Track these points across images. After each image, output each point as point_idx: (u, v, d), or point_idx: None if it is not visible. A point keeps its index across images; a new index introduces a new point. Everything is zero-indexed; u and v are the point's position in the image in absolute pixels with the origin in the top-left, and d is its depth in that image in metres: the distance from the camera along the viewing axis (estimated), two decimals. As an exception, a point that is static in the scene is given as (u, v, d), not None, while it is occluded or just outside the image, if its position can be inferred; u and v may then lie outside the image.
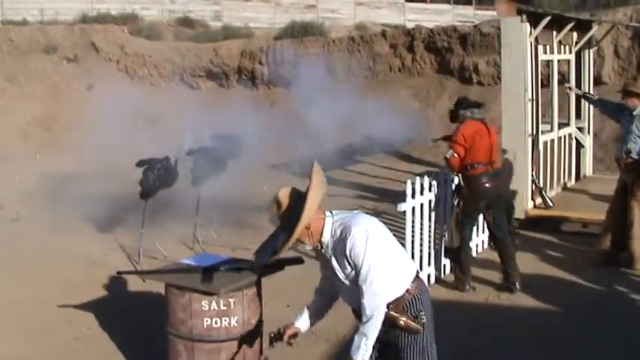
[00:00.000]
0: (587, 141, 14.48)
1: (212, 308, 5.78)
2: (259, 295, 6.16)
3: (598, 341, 7.38)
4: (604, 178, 14.64)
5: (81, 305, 8.54)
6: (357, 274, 4.59)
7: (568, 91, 12.47)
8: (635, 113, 9.67)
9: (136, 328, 7.88)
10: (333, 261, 4.74)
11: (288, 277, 8.62)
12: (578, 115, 14.13)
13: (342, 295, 4.91)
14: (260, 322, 6.18)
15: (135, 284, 8.94)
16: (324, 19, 33.66)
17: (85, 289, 9.05)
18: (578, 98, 13.90)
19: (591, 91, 14.37)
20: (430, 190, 9.25)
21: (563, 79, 14.84)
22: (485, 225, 9.84)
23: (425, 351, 4.76)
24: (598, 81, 15.93)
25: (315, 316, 5.16)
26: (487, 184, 8.79)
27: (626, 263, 9.61)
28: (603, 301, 8.50)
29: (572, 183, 13.81)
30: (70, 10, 29.34)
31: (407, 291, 4.70)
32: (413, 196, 8.92)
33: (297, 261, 6.30)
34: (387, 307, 4.63)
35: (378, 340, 4.67)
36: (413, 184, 8.89)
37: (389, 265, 4.61)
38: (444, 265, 9.71)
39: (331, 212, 4.82)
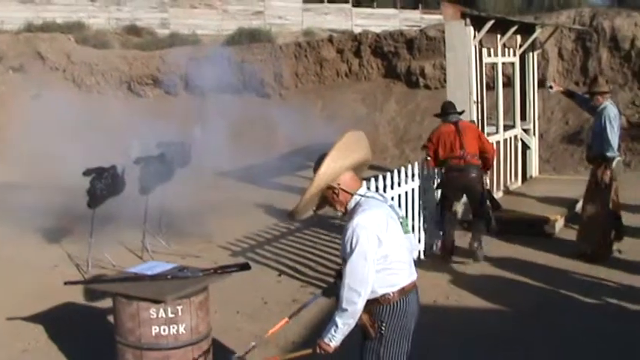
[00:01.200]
0: (533, 142, 14.64)
1: (160, 316, 5.77)
2: (207, 302, 6.17)
3: (545, 340, 7.48)
4: (550, 178, 14.86)
5: (29, 317, 8.45)
6: (345, 264, 4.64)
7: (550, 90, 12.66)
8: (597, 111, 10.05)
9: (85, 338, 7.81)
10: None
11: (237, 284, 8.66)
12: (523, 117, 14.28)
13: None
14: (209, 329, 6.18)
15: (83, 294, 8.89)
16: (272, 26, 33.66)
17: (33, 301, 8.94)
18: (523, 100, 14.12)
19: (536, 94, 14.60)
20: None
21: (508, 81, 15.02)
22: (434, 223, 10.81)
23: (372, 354, 4.81)
24: (543, 83, 16.12)
25: None
26: (454, 176, 10.19)
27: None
28: (551, 301, 8.59)
29: (518, 184, 13.95)
30: (15, 18, 28.95)
31: (380, 297, 4.71)
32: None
33: (244, 267, 6.31)
34: None
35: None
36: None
37: (373, 267, 4.60)
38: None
39: (364, 193, 4.85)
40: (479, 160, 10.28)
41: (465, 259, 10.34)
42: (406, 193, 10.20)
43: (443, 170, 10.42)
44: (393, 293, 4.72)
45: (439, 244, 10.73)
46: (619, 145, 10.03)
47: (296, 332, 7.55)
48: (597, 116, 10.05)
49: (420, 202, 10.55)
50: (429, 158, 10.47)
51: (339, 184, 4.76)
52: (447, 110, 10.49)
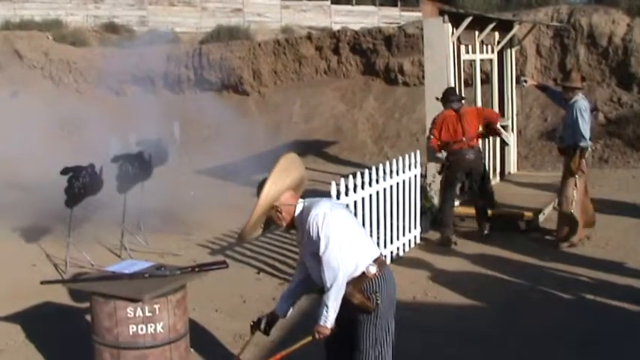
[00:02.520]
0: (512, 139, 14.68)
1: (137, 315, 5.74)
2: (185, 300, 6.15)
3: (522, 335, 7.52)
4: (529, 174, 14.90)
5: (5, 317, 8.39)
6: (318, 250, 4.96)
7: (524, 84, 12.69)
8: (569, 104, 10.35)
9: (62, 338, 7.77)
10: (303, 242, 5.14)
11: (215, 282, 8.66)
12: (501, 114, 14.31)
13: (312, 276, 5.25)
14: (186, 328, 6.17)
15: (61, 294, 8.83)
16: (251, 23, 33.64)
17: (10, 300, 8.89)
18: (501, 97, 14.18)
19: (514, 90, 14.65)
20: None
21: (486, 78, 15.06)
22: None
23: (377, 329, 5.11)
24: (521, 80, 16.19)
25: (291, 301, 5.56)
26: (457, 158, 10.80)
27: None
28: (528, 297, 8.63)
29: (496, 180, 13.98)
30: (-9, 16, 28.88)
31: (364, 272, 5.05)
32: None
33: (222, 265, 6.30)
34: (347, 284, 5.01)
35: (339, 315, 5.04)
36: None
37: (345, 244, 4.98)
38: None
39: (303, 199, 5.24)
40: (478, 141, 11.22)
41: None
42: (391, 186, 10.32)
43: (447, 152, 10.94)
44: (373, 264, 5.09)
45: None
46: (590, 136, 10.33)
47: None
48: (569, 109, 10.35)
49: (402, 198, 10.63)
50: (432, 137, 10.95)
51: (280, 204, 5.13)
52: (449, 97, 10.92)
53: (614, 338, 7.35)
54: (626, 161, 16.48)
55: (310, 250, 5.05)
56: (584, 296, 8.53)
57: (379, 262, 5.15)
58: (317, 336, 5.11)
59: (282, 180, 5.09)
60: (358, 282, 5.04)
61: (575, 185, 10.36)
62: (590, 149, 10.44)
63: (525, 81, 11.99)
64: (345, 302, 5.02)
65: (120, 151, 11.26)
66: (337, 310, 5.00)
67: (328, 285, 4.94)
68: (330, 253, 4.91)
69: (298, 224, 5.16)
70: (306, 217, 5.05)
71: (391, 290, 5.19)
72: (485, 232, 11.12)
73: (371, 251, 5.17)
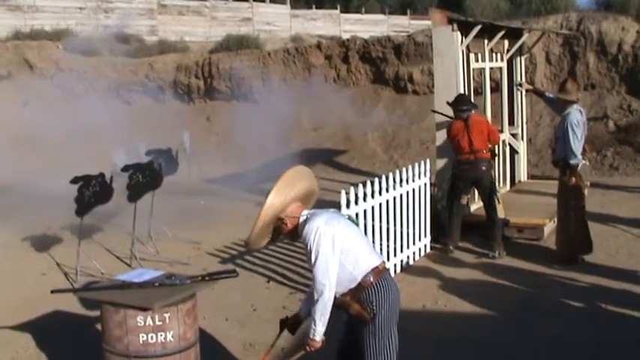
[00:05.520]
0: (522, 147, 14.65)
1: (147, 324, 5.74)
2: (195, 309, 6.15)
3: (532, 344, 7.50)
4: (539, 183, 14.86)
5: (17, 326, 8.43)
6: (310, 262, 5.08)
7: (518, 87, 12.59)
8: (562, 115, 10.09)
9: (73, 346, 7.79)
10: (306, 253, 5.18)
11: (225, 290, 8.68)
12: (511, 122, 14.29)
13: None
14: (197, 337, 6.16)
15: (71, 302, 8.85)
16: (260, 32, 33.70)
17: (22, 309, 8.92)
18: (511, 105, 14.14)
19: (524, 98, 14.62)
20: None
21: (496, 86, 15.04)
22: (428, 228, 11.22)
23: (377, 339, 5.16)
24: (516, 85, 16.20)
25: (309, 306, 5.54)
26: (465, 169, 10.84)
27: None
28: (537, 306, 8.60)
29: (507, 189, 13.96)
30: (2, 26, 28.92)
31: (361, 283, 5.11)
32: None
33: (232, 274, 6.29)
34: (345, 295, 5.12)
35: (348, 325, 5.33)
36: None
37: (337, 258, 5.04)
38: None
39: (308, 212, 5.28)
40: (488, 152, 10.96)
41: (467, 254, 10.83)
42: (401, 195, 10.30)
43: (455, 164, 11.08)
44: (370, 275, 5.13)
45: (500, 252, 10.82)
46: (583, 150, 10.05)
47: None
48: (561, 121, 10.08)
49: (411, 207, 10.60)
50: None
51: (285, 215, 5.22)
52: (458, 105, 10.89)
53: (626, 348, 7.30)
54: (637, 169, 16.42)
55: (310, 262, 5.12)
56: (595, 305, 8.50)
57: (377, 271, 5.18)
58: (309, 349, 5.23)
59: (285, 193, 5.18)
60: (356, 292, 5.12)
61: (572, 202, 10.10)
62: (581, 164, 10.00)
63: (520, 85, 11.91)
64: (345, 310, 5.16)
65: (129, 161, 11.29)
66: (326, 324, 5.09)
67: (315, 298, 5.05)
68: (317, 268, 5.00)
69: (301, 235, 5.22)
70: (303, 229, 5.14)
71: (391, 299, 5.21)
72: (494, 254, 10.69)
73: (369, 261, 5.19)
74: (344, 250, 5.08)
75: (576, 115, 9.89)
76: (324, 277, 4.98)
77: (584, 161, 10.06)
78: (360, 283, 5.10)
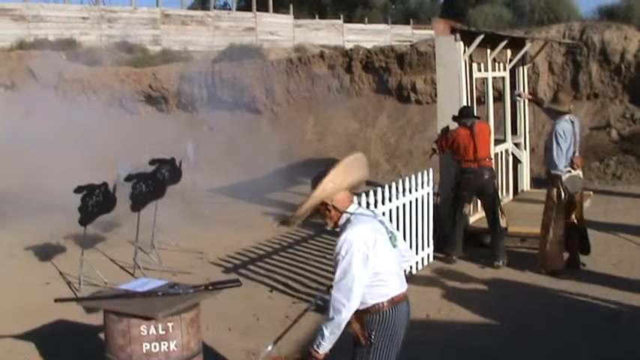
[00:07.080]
0: (524, 156, 14.65)
1: (151, 333, 5.75)
2: (198, 318, 6.16)
3: (532, 354, 7.50)
4: (542, 192, 14.83)
5: (19, 335, 8.42)
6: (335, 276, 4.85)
7: (517, 98, 12.57)
8: (553, 124, 10.11)
9: (75, 356, 7.80)
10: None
11: (228, 300, 8.67)
12: (514, 131, 14.30)
13: None
14: (200, 346, 6.17)
15: (75, 312, 8.85)
16: (263, 42, 33.75)
17: (25, 318, 8.92)
18: (513, 114, 14.14)
19: (526, 108, 14.62)
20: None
21: (499, 95, 15.05)
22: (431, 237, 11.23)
23: None
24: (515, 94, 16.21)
25: None
26: (469, 177, 10.81)
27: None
28: (540, 315, 8.60)
29: (509, 198, 13.95)
30: (6, 36, 29.00)
31: (369, 307, 4.88)
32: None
33: (235, 283, 6.30)
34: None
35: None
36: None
37: (364, 284, 4.80)
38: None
39: (356, 207, 5.13)
40: (491, 160, 11.14)
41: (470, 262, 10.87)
42: (404, 204, 10.33)
43: (458, 169, 10.99)
44: (383, 303, 4.90)
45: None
46: (571, 161, 9.94)
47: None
48: (551, 131, 10.08)
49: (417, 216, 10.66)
50: (434, 147, 11.42)
51: (332, 202, 4.98)
52: (463, 118, 10.90)
53: (629, 358, 7.31)
54: (640, 178, 16.44)
55: (335, 272, 4.90)
56: (598, 315, 8.51)
57: (392, 301, 4.94)
58: (309, 358, 5.00)
59: (342, 178, 4.99)
60: (361, 313, 4.89)
61: (549, 215, 10.09)
62: (569, 175, 9.94)
63: (519, 95, 11.92)
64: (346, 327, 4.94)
65: (132, 170, 11.31)
66: (333, 343, 4.86)
67: (330, 315, 4.81)
68: (341, 286, 4.77)
69: (338, 234, 4.98)
70: (341, 231, 4.93)
71: (393, 331, 4.96)
72: (498, 263, 10.64)
73: (390, 290, 4.95)
74: (372, 274, 4.84)
75: (563, 126, 9.88)
76: (346, 298, 4.74)
77: (573, 172, 9.99)
78: (368, 307, 4.88)
